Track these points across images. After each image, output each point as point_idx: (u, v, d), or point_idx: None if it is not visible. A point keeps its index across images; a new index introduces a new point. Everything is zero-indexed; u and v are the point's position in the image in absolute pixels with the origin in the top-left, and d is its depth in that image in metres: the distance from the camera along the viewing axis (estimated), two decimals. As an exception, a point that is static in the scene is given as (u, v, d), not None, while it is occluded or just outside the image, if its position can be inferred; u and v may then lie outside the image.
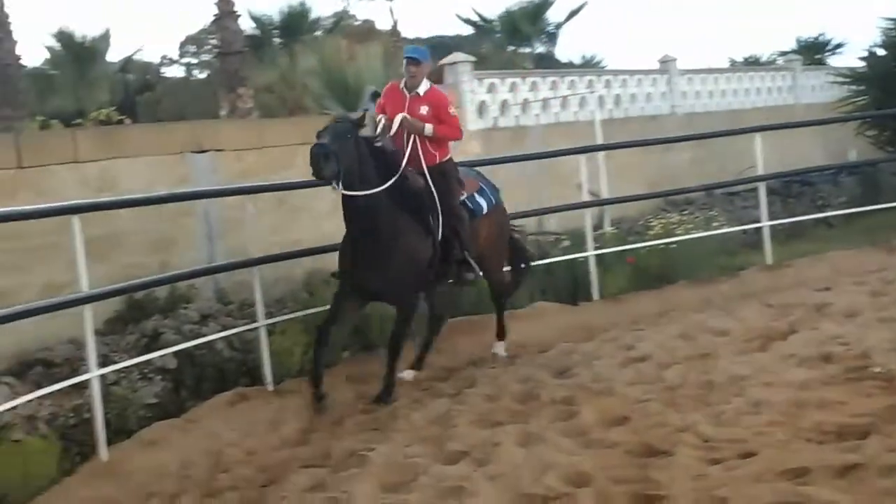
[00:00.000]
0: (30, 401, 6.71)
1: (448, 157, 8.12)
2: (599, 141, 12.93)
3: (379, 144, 7.69)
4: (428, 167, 7.91)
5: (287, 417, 7.38)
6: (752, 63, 27.71)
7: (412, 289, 7.91)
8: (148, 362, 7.68)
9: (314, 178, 7.20)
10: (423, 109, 7.90)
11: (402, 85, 8.02)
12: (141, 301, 9.16)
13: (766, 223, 11.72)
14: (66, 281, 8.16)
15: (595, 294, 10.57)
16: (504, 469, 5.70)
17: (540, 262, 10.65)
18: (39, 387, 7.03)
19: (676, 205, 14.21)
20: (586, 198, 11.34)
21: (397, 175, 7.62)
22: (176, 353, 7.88)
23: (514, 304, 10.11)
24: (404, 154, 7.80)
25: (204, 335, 8.17)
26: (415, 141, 7.87)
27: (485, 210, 8.42)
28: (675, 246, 11.11)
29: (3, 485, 6.12)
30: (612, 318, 9.87)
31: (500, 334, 8.99)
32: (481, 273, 8.26)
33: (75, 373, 7.23)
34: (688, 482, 5.16)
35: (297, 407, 7.51)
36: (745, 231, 12.32)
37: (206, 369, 8.11)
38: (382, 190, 7.49)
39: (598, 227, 11.63)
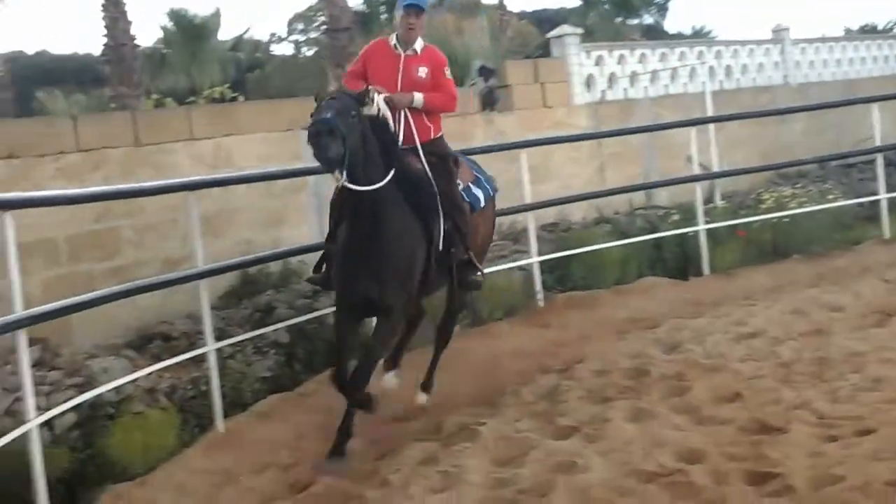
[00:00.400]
0: (150, 374, 6.89)
1: (441, 132, 6.84)
2: (710, 113, 12.72)
3: (382, 121, 6.26)
4: (422, 144, 6.60)
5: (398, 391, 7.42)
6: (869, 31, 26.91)
7: (405, 299, 6.47)
8: (261, 336, 7.81)
9: (319, 165, 5.81)
10: (422, 71, 6.61)
11: (392, 42, 6.68)
12: (254, 276, 9.34)
13: (883, 195, 11.43)
14: (183, 256, 8.39)
15: (705, 269, 10.46)
16: (615, 445, 5.68)
17: (649, 236, 10.57)
18: (159, 360, 7.19)
19: (789, 178, 13.92)
20: (696, 171, 11.18)
21: (397, 160, 6.25)
22: (289, 328, 8.00)
23: (621, 279, 10.06)
24: (397, 131, 6.45)
25: (316, 310, 8.26)
26: (406, 114, 6.58)
27: (482, 204, 7.07)
28: (787, 220, 10.91)
29: (125, 455, 6.30)
30: (723, 292, 9.74)
31: (431, 376, 7.41)
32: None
33: (193, 346, 7.42)
34: (803, 459, 5.07)
35: (408, 381, 7.54)
36: (861, 204, 12.01)
37: (318, 343, 8.19)
38: (389, 181, 6.11)
39: (708, 200, 11.48)
